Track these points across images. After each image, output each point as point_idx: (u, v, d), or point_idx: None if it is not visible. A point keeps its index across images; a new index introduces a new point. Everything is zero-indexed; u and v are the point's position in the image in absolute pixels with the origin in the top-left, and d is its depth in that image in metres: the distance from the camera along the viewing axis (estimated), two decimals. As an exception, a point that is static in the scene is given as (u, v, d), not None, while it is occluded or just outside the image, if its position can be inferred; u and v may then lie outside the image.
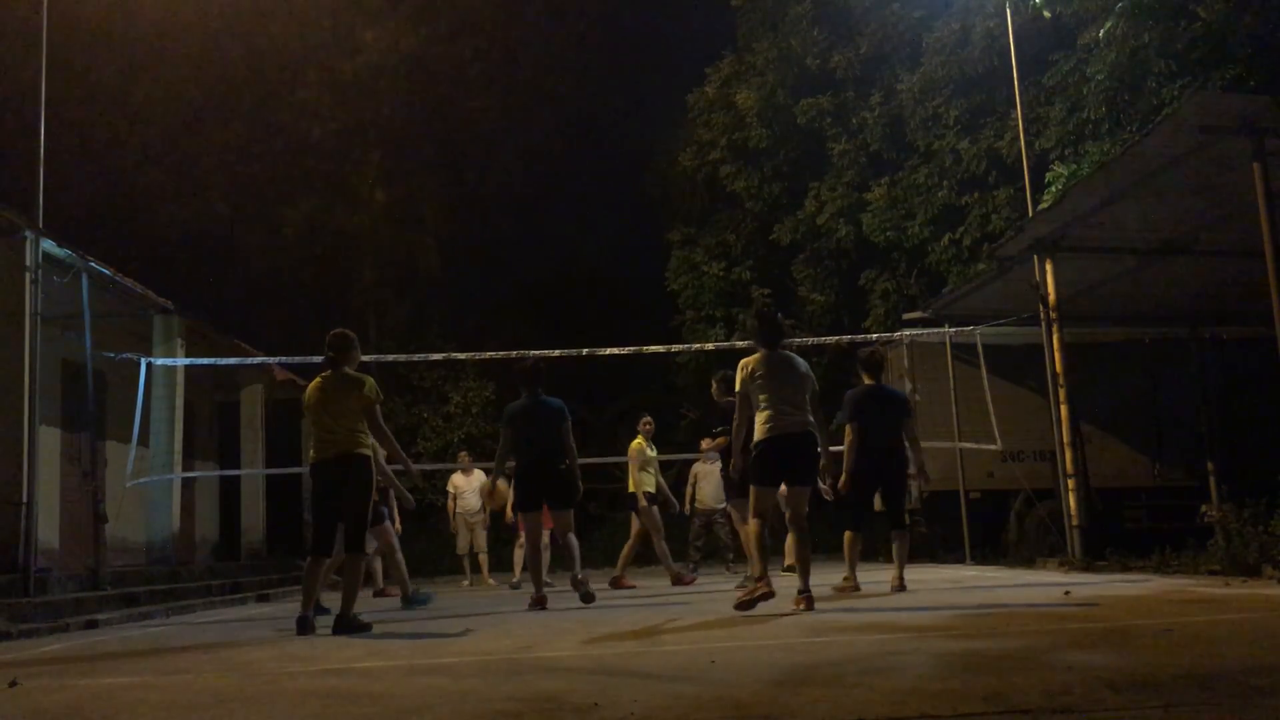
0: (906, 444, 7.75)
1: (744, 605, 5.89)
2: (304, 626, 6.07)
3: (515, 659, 4.36)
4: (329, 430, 6.27)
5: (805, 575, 6.11)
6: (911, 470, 8.00)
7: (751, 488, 6.33)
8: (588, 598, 7.58)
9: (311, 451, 6.45)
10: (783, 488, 6.39)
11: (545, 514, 8.05)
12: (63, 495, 11.10)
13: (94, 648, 6.18)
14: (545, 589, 7.96)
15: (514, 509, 8.48)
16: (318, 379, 6.49)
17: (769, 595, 5.91)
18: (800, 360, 6.47)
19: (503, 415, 8.03)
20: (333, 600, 6.75)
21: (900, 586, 7.33)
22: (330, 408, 6.28)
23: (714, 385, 9.45)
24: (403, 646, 5.25)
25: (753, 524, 6.30)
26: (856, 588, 7.41)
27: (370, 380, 6.39)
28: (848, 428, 7.69)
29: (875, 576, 8.24)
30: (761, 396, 6.24)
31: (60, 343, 10.49)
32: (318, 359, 11.46)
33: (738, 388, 6.33)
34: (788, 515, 6.43)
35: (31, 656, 5.62)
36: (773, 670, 3.61)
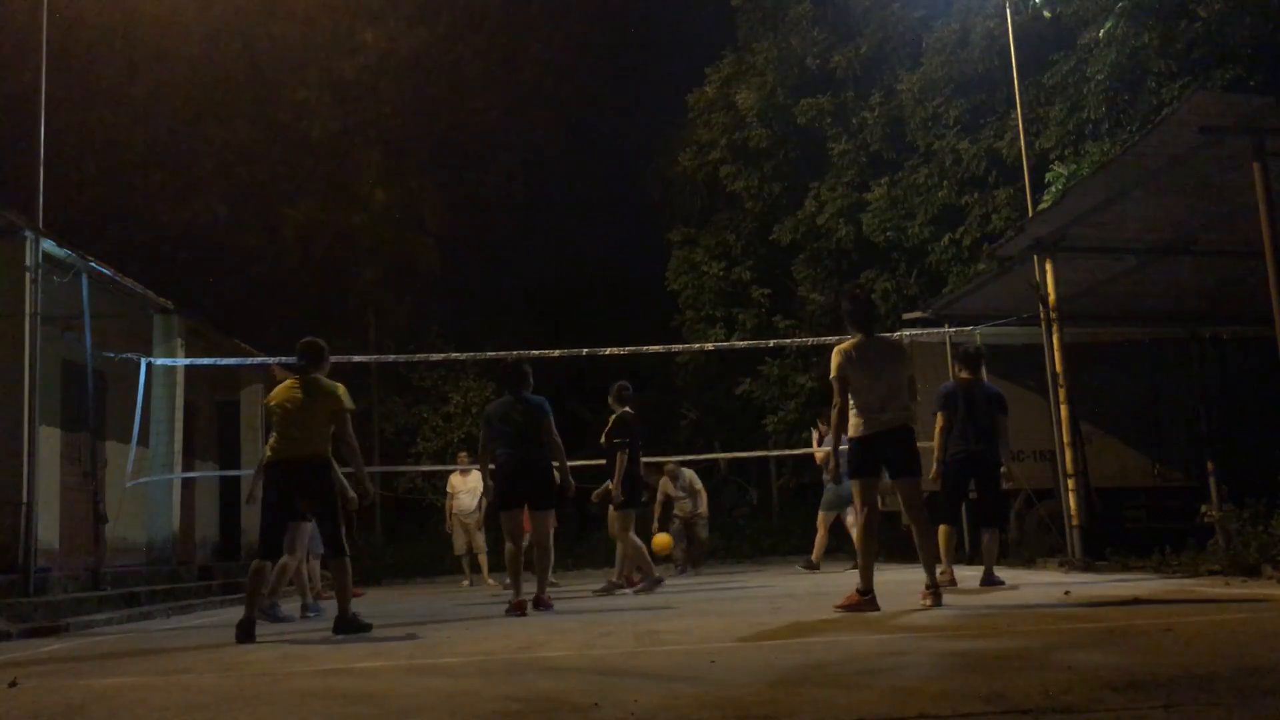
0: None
1: (844, 608, 5.82)
2: (245, 633, 5.83)
3: (515, 659, 4.36)
4: (291, 433, 6.19)
5: (931, 569, 6.15)
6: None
7: (855, 481, 6.08)
8: (547, 609, 7.30)
9: (268, 451, 6.32)
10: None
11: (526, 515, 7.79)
12: (63, 495, 11.10)
13: (94, 648, 6.18)
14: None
15: (492, 508, 8.23)
16: (290, 381, 6.43)
17: (873, 609, 5.75)
18: (898, 345, 6.30)
19: (482, 415, 7.77)
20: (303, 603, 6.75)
21: (993, 580, 7.40)
22: (299, 413, 6.21)
23: (611, 395, 9.32)
24: (403, 646, 5.25)
25: (861, 518, 6.02)
26: (953, 581, 7.37)
27: (343, 389, 6.34)
28: (939, 416, 7.79)
29: (895, 576, 8.21)
30: (855, 389, 6.00)
31: (60, 343, 10.49)
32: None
33: (833, 374, 6.05)
34: (904, 509, 6.28)
35: (31, 656, 5.62)
36: (773, 670, 3.61)
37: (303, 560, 8.16)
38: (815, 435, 12.31)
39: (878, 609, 5.76)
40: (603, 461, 9.66)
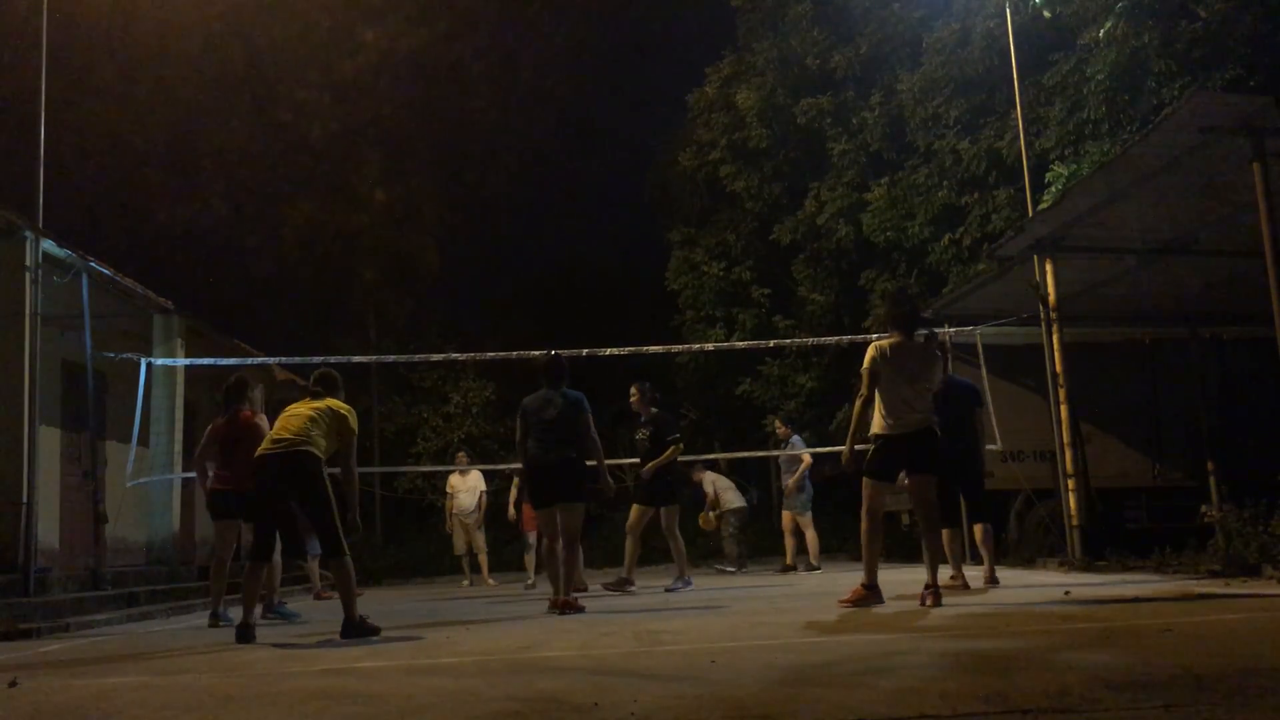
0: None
1: (849, 603, 5.97)
2: (245, 635, 5.78)
3: (515, 659, 4.36)
4: (290, 428, 6.05)
5: (934, 568, 6.16)
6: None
7: (867, 480, 6.14)
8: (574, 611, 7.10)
9: (263, 446, 6.15)
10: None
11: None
12: (63, 495, 11.10)
13: (94, 648, 6.18)
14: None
15: (515, 505, 7.99)
16: (304, 399, 6.35)
17: (877, 602, 5.92)
18: (931, 350, 6.37)
19: (519, 408, 7.52)
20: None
21: (993, 580, 7.31)
22: (303, 417, 6.10)
23: (635, 394, 9.38)
24: (403, 647, 5.25)
25: (866, 518, 6.12)
26: (965, 586, 7.28)
27: (354, 414, 6.30)
28: None
29: (895, 576, 8.20)
30: (884, 387, 6.10)
31: (60, 343, 10.49)
32: (318, 359, 11.46)
33: (866, 365, 6.13)
34: (914, 503, 6.35)
35: (31, 656, 5.62)
36: (773, 670, 3.61)
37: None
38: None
39: (882, 601, 5.94)
40: (629, 460, 9.72)
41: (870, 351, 6.13)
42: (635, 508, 9.29)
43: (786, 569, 11.96)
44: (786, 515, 11.96)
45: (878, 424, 6.12)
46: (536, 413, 7.34)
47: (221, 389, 7.89)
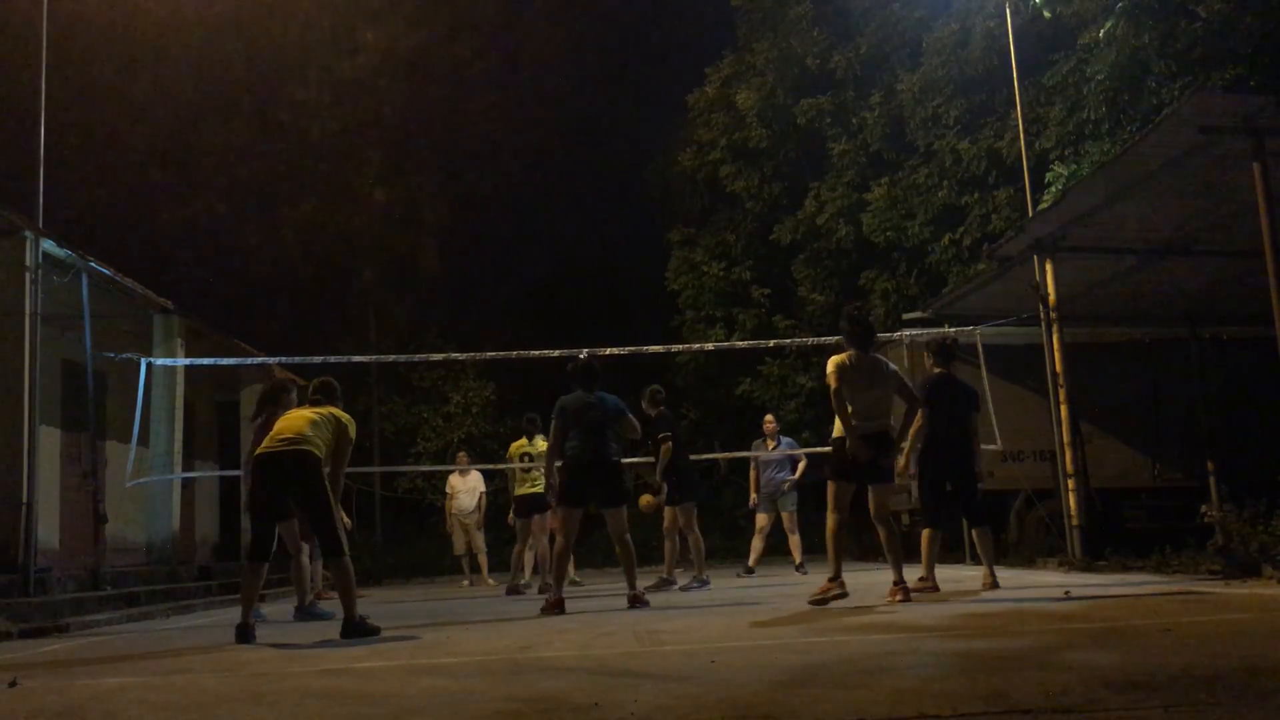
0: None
1: (818, 602, 6.28)
2: (245, 635, 5.78)
3: (515, 659, 4.36)
4: (290, 428, 6.08)
5: (898, 568, 6.50)
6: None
7: (831, 483, 6.51)
8: (644, 605, 7.16)
9: (261, 447, 6.17)
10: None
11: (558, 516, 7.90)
12: (63, 495, 11.11)
13: (94, 648, 6.18)
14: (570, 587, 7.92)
15: (558, 503, 7.94)
16: (305, 406, 6.39)
17: (843, 595, 6.29)
18: (886, 363, 6.77)
19: (554, 408, 7.50)
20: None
21: (993, 584, 7.21)
22: (305, 420, 6.13)
23: (645, 400, 9.52)
24: (403, 646, 5.25)
25: (831, 519, 6.47)
26: (935, 588, 7.21)
27: (354, 424, 6.33)
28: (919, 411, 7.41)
29: (891, 577, 8.20)
30: (847, 395, 6.47)
31: (60, 343, 10.50)
32: (318, 359, 11.44)
33: (832, 385, 6.48)
34: (872, 511, 6.62)
35: (31, 656, 5.62)
36: (773, 670, 3.61)
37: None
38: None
39: (847, 594, 6.30)
40: (647, 459, 9.82)
41: (831, 367, 6.54)
42: (666, 510, 9.44)
43: (750, 570, 11.72)
44: (786, 516, 11.79)
45: (838, 429, 6.49)
46: (578, 414, 7.34)
47: (263, 391, 7.95)
